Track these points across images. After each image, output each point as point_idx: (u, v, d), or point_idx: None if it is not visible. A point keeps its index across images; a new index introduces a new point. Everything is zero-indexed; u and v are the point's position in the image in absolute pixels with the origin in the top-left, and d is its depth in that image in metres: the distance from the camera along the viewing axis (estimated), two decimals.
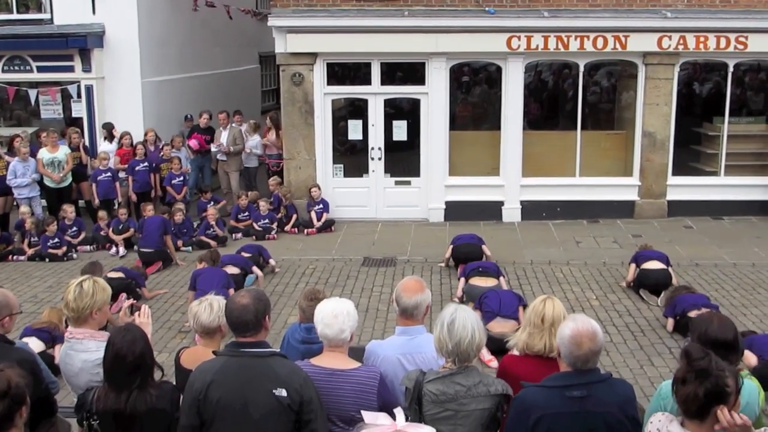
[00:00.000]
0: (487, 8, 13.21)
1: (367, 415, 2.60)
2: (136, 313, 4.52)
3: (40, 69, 14.90)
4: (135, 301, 4.73)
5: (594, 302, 10.02)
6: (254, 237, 13.08)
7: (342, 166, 14.41)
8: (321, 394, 3.88)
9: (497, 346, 7.66)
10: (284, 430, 3.76)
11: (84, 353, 4.34)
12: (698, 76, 14.82)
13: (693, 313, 8.17)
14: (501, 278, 10.02)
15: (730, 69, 13.80)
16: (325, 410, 3.86)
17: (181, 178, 14.03)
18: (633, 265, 10.32)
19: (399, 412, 2.58)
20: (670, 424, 3.37)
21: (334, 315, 4.04)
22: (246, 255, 11.06)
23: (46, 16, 15.01)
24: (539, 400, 3.65)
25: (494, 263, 10.60)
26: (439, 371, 3.85)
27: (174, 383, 4.38)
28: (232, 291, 9.25)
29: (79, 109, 15.11)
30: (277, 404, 3.71)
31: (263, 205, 13.47)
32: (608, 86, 15.05)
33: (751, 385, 3.96)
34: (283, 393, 3.70)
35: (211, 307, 4.63)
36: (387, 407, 3.80)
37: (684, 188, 13.93)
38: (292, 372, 3.82)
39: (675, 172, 14.03)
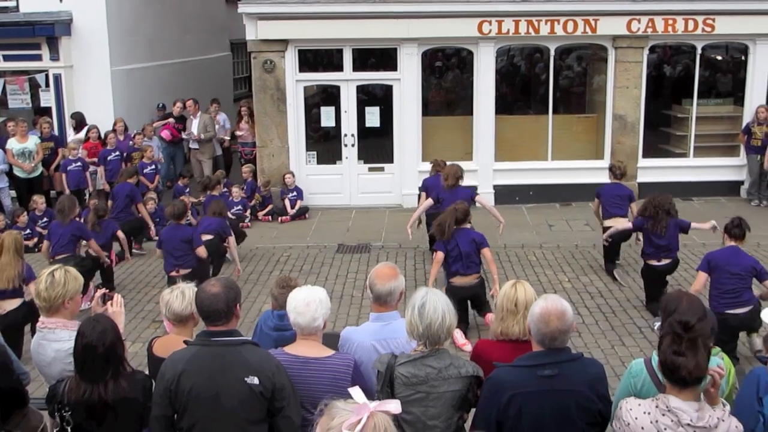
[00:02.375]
0: None
1: (336, 403, 2.59)
2: (108, 303, 4.51)
3: (6, 58, 14.68)
4: (107, 291, 4.70)
5: (566, 284, 10.13)
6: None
7: (315, 153, 14.38)
8: (295, 383, 3.89)
9: (462, 295, 8.22)
10: (257, 418, 3.78)
11: (56, 343, 4.34)
12: (667, 58, 14.98)
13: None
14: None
15: (699, 51, 13.94)
16: (299, 398, 3.88)
17: (153, 167, 13.92)
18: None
19: (356, 390, 2.59)
20: (650, 406, 3.41)
21: (306, 303, 4.04)
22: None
23: (11, 3, 14.73)
24: (511, 380, 3.70)
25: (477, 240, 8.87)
26: (411, 354, 3.88)
27: (147, 372, 4.38)
28: (201, 249, 9.38)
29: (47, 99, 14.91)
30: (249, 392, 3.72)
31: (236, 192, 13.40)
32: (579, 70, 15.16)
33: (719, 362, 4.04)
34: (255, 381, 3.71)
35: (183, 295, 4.63)
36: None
37: (654, 170, 14.08)
38: (263, 360, 3.83)
39: (645, 154, 14.18)
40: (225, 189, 13.25)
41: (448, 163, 10.98)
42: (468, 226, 8.69)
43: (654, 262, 9.01)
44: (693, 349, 3.28)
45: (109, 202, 11.79)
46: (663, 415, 3.32)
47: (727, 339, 6.94)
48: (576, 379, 3.70)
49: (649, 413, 3.37)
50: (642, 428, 3.35)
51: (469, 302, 8.57)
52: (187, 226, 9.89)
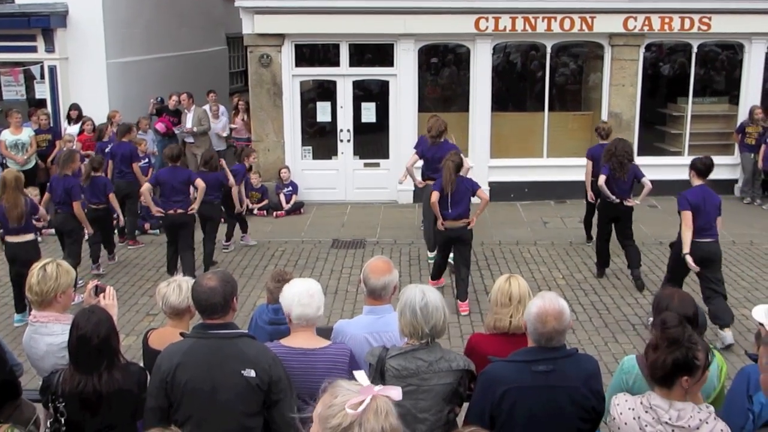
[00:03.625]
0: None
1: (359, 375, 2.60)
2: (101, 295, 4.50)
3: (1, 49, 14.58)
4: (99, 283, 4.69)
5: (560, 281, 10.16)
6: (222, 219, 12.99)
7: (311, 148, 14.37)
8: (293, 374, 3.90)
9: (449, 236, 9.11)
10: (253, 411, 3.79)
11: (49, 336, 4.33)
12: (663, 57, 15.00)
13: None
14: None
15: (694, 50, 13.98)
16: (296, 389, 3.88)
17: (148, 160, 13.87)
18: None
19: (361, 374, 2.60)
20: (635, 402, 3.42)
21: (310, 294, 4.07)
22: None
23: None
24: (505, 374, 3.70)
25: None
26: (402, 347, 3.89)
27: (141, 364, 4.38)
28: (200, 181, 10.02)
29: (42, 91, 14.85)
30: (245, 385, 3.73)
31: (255, 179, 13.41)
32: (575, 68, 15.16)
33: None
34: (252, 373, 3.72)
35: (180, 288, 4.62)
36: None
37: (649, 168, 13.91)
38: (260, 352, 3.83)
39: (640, 153, 14.13)
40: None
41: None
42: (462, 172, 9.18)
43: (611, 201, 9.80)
44: (676, 348, 3.32)
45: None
46: (645, 412, 3.34)
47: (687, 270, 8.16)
48: (571, 375, 3.70)
49: (633, 409, 3.38)
50: (625, 423, 3.36)
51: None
52: (184, 168, 10.46)
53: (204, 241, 10.65)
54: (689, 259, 7.97)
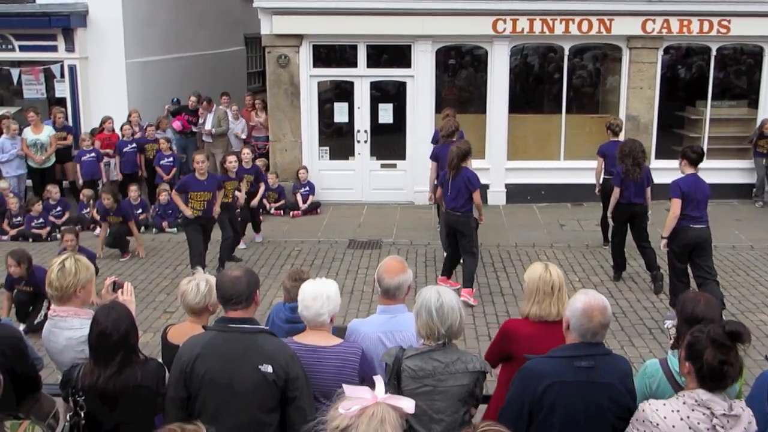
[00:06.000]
0: None
1: (348, 389, 2.67)
2: (119, 291, 4.55)
3: (22, 48, 14.78)
4: (117, 279, 4.73)
5: (576, 284, 10.10)
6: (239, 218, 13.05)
7: (328, 148, 14.41)
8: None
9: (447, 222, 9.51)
10: (269, 406, 3.81)
11: (68, 331, 4.36)
12: (682, 59, 14.91)
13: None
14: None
15: (713, 53, 13.90)
16: (312, 390, 3.90)
17: (171, 159, 13.98)
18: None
19: (379, 380, 2.65)
20: (677, 404, 3.42)
21: (313, 298, 4.10)
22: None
23: None
24: (547, 369, 3.74)
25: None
26: (419, 348, 3.91)
27: (160, 360, 4.42)
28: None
29: (62, 89, 15.01)
30: (262, 380, 3.75)
31: (272, 178, 13.49)
32: (593, 70, 15.10)
33: None
34: (269, 369, 3.75)
35: (197, 288, 4.64)
36: (367, 383, 3.83)
37: (667, 171, 13.86)
38: (278, 349, 3.86)
39: (658, 156, 14.13)
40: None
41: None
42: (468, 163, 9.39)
43: (626, 201, 9.87)
44: (737, 356, 3.35)
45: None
46: (693, 410, 3.33)
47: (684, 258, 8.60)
48: (610, 372, 3.74)
49: (677, 410, 3.36)
50: (673, 427, 3.34)
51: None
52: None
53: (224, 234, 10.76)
54: (664, 243, 8.65)
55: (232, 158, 10.99)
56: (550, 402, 3.68)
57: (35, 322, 8.40)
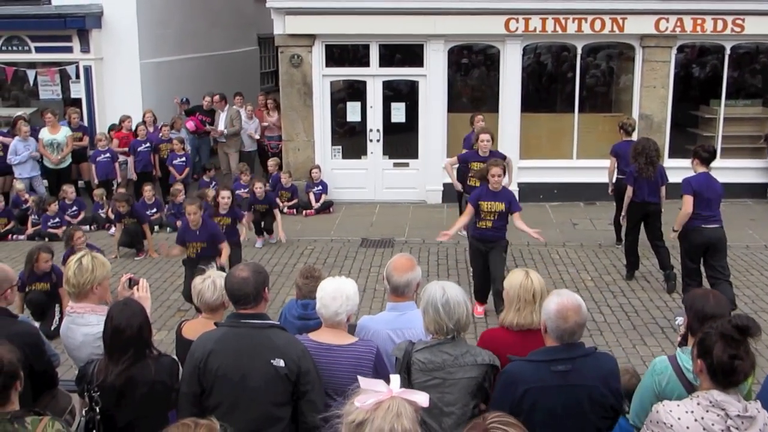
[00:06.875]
0: None
1: (363, 381, 2.70)
2: (135, 288, 4.60)
3: (38, 49, 14.93)
4: (133, 276, 4.79)
5: (589, 283, 10.12)
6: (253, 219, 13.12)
7: (340, 147, 14.46)
8: (318, 368, 3.96)
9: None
10: (281, 400, 3.86)
11: (85, 327, 4.43)
12: (695, 58, 14.85)
13: None
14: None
15: (727, 52, 13.83)
16: (323, 383, 3.94)
17: (184, 159, 14.08)
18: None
19: (395, 378, 2.69)
20: (691, 405, 3.36)
21: (333, 297, 4.12)
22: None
23: None
24: (526, 374, 3.74)
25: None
26: (428, 341, 3.95)
27: (174, 356, 4.47)
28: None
29: (78, 90, 15.14)
30: (274, 374, 3.80)
31: (258, 187, 13.36)
32: (606, 69, 15.07)
33: None
34: (281, 363, 3.79)
35: (214, 285, 4.69)
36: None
37: (680, 171, 13.78)
38: (290, 343, 3.91)
39: (672, 155, 14.07)
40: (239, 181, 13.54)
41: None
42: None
43: (640, 200, 9.83)
44: (747, 351, 3.29)
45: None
46: (707, 411, 3.26)
47: (696, 257, 8.56)
48: (590, 374, 3.74)
49: (692, 411, 3.30)
50: (687, 428, 3.27)
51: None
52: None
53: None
54: (674, 236, 8.64)
55: (225, 193, 9.92)
56: (529, 406, 3.69)
57: (52, 328, 8.40)
